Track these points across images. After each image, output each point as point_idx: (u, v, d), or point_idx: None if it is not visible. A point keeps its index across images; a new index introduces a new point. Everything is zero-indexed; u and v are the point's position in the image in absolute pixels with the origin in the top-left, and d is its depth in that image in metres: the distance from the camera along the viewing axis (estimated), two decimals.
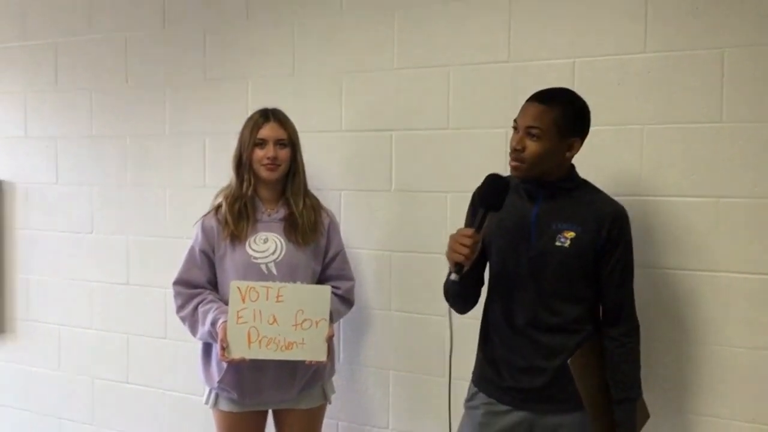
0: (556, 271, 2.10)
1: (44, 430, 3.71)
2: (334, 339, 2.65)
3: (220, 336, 2.42)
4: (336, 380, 2.74)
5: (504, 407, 2.21)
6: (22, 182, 3.71)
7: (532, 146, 2.06)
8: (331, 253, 2.64)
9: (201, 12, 3.19)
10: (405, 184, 2.77)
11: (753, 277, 2.31)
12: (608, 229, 2.10)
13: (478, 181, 2.16)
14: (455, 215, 2.57)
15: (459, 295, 2.24)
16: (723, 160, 2.32)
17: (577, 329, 2.14)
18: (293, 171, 2.60)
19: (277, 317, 2.41)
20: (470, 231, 2.05)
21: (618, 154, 2.44)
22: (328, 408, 2.72)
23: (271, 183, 2.59)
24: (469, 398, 2.30)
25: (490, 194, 2.09)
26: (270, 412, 2.68)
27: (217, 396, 2.60)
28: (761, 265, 2.30)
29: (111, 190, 3.45)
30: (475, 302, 2.29)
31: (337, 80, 2.89)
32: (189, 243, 2.64)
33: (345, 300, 2.65)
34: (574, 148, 2.12)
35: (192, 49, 3.21)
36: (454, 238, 2.06)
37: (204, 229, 2.59)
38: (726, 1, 2.30)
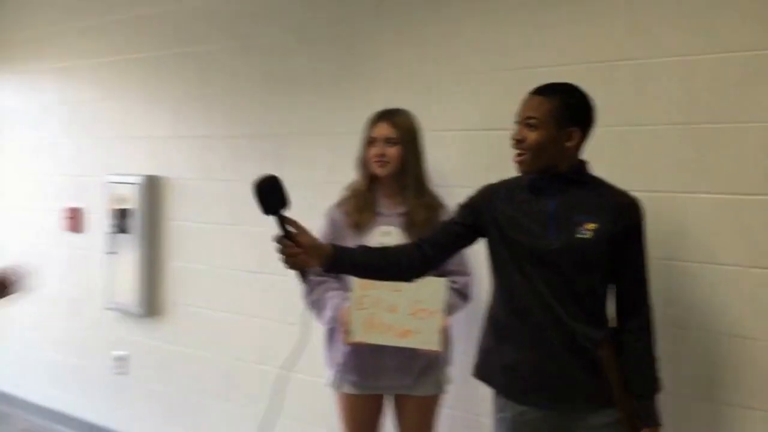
0: (578, 264, 2.07)
1: (185, 406, 3.98)
2: (452, 331, 2.72)
3: (342, 320, 2.56)
4: (453, 371, 2.80)
5: (538, 413, 2.16)
6: (173, 178, 4.01)
7: (530, 136, 2.08)
8: None
9: (333, 15, 3.34)
10: None
11: None
12: (626, 219, 2.08)
13: None
14: None
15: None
16: None
17: (600, 324, 2.12)
18: (405, 168, 2.69)
19: (395, 306, 2.48)
20: (278, 245, 2.07)
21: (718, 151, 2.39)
22: (446, 398, 2.80)
23: (385, 179, 2.70)
24: (500, 409, 2.25)
25: (271, 198, 2.09)
26: (389, 397, 2.78)
27: (339, 378, 2.74)
28: None
29: (250, 185, 3.68)
30: (398, 274, 2.28)
31: (461, 80, 2.97)
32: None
33: (462, 294, 2.70)
34: (573, 138, 2.09)
35: (324, 52, 3.37)
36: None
37: (330, 221, 2.75)
38: None
